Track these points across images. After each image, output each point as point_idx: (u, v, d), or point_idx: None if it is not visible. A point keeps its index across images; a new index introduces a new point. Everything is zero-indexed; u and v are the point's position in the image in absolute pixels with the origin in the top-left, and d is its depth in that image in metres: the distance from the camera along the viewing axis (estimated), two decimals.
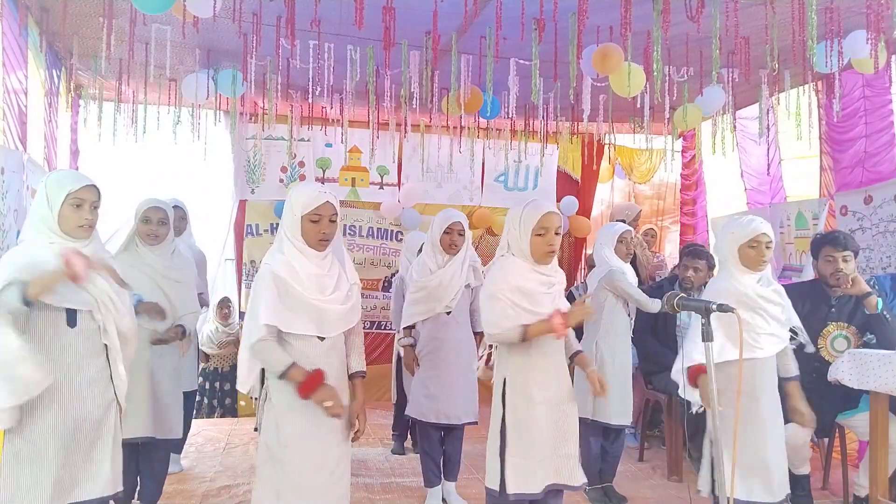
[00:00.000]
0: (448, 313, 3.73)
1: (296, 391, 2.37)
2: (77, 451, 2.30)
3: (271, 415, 2.48)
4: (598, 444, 3.91)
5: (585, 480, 2.72)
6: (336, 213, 2.48)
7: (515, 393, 2.62)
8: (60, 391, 2.26)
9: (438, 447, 3.85)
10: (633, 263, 6.43)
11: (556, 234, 2.60)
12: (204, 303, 4.50)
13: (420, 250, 4.38)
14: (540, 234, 2.58)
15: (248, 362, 2.53)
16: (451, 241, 3.69)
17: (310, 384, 2.37)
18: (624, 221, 6.80)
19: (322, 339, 2.48)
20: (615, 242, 3.93)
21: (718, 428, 2.27)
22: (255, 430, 3.01)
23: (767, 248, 2.85)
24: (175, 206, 3.90)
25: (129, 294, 2.44)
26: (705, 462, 2.92)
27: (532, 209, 2.61)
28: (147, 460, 3.33)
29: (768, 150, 5.85)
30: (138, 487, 3.40)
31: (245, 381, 2.57)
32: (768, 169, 5.93)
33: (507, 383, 2.64)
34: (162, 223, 3.33)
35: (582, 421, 2.98)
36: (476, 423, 3.77)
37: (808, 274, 4.87)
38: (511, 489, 2.57)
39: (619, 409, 3.82)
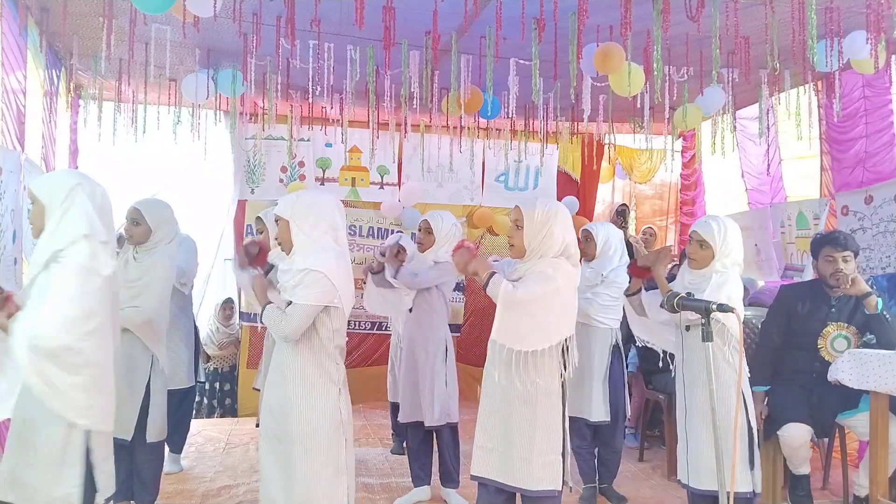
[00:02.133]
0: (410, 310, 3.79)
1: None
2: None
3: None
4: (584, 441, 3.86)
5: (542, 488, 2.57)
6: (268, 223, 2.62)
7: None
8: None
9: (424, 448, 3.87)
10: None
11: (517, 227, 2.64)
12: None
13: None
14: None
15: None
16: (419, 239, 3.80)
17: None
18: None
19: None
20: None
21: (719, 428, 2.27)
22: (257, 426, 3.02)
23: (700, 246, 3.01)
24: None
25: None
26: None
27: None
28: (133, 460, 3.31)
29: (768, 150, 5.85)
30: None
31: None
32: (768, 169, 5.93)
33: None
34: (135, 223, 3.35)
35: None
36: (456, 423, 3.77)
37: (809, 274, 4.87)
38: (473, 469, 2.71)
39: (576, 403, 3.71)
